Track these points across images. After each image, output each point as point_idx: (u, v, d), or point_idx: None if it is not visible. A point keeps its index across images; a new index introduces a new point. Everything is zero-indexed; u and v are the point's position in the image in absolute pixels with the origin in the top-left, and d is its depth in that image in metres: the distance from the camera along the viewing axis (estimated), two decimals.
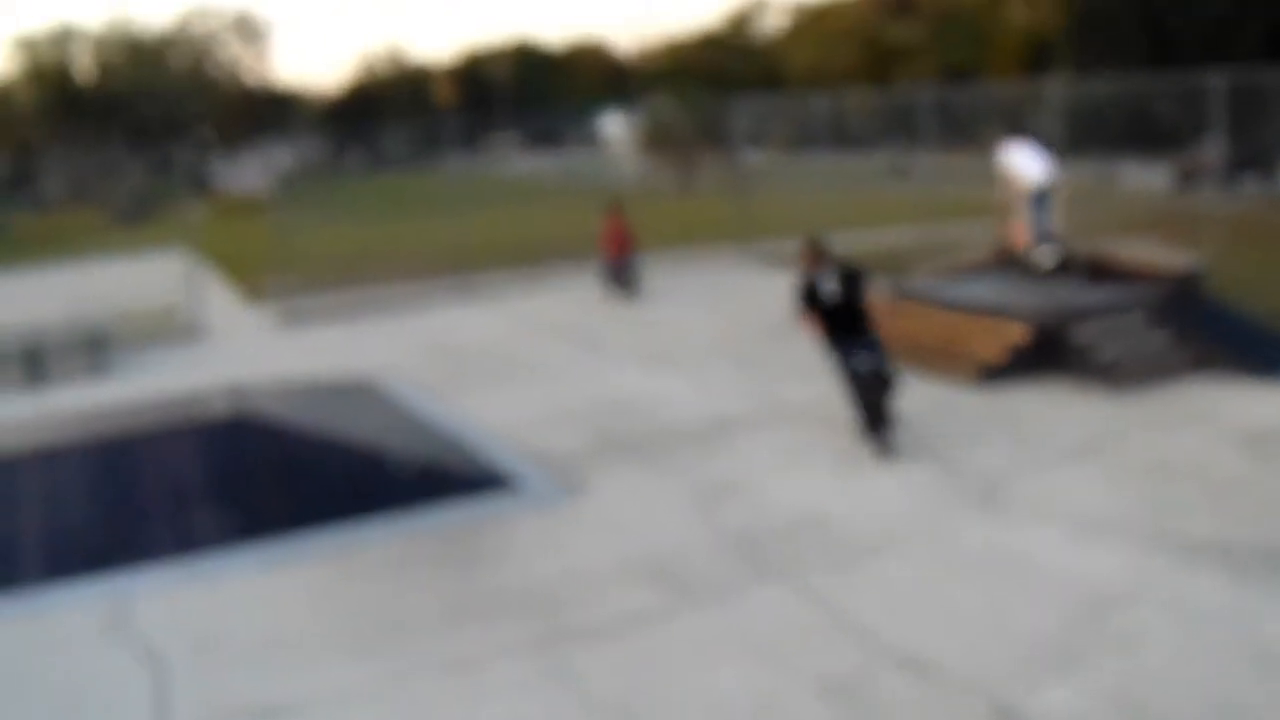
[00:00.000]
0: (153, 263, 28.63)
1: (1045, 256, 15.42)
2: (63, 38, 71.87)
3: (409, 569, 8.57)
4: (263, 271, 24.41)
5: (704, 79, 63.42)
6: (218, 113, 68.46)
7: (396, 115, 76.77)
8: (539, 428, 12.04)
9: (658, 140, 48.66)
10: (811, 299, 10.65)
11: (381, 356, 16.23)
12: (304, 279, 23.14)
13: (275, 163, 59.99)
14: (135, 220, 45.55)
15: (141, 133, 58.79)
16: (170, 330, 19.19)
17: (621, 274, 20.51)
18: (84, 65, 72.31)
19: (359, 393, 14.09)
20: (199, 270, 23.48)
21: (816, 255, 10.79)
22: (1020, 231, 15.84)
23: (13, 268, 30.87)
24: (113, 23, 72.72)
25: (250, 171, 58.19)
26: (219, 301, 22.44)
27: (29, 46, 71.61)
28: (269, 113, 77.35)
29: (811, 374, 13.34)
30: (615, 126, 67.31)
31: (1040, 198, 15.64)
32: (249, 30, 76.62)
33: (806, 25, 77.72)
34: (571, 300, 20.19)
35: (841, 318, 10.56)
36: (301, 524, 9.42)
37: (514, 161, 67.54)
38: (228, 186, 57.65)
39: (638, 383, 13.87)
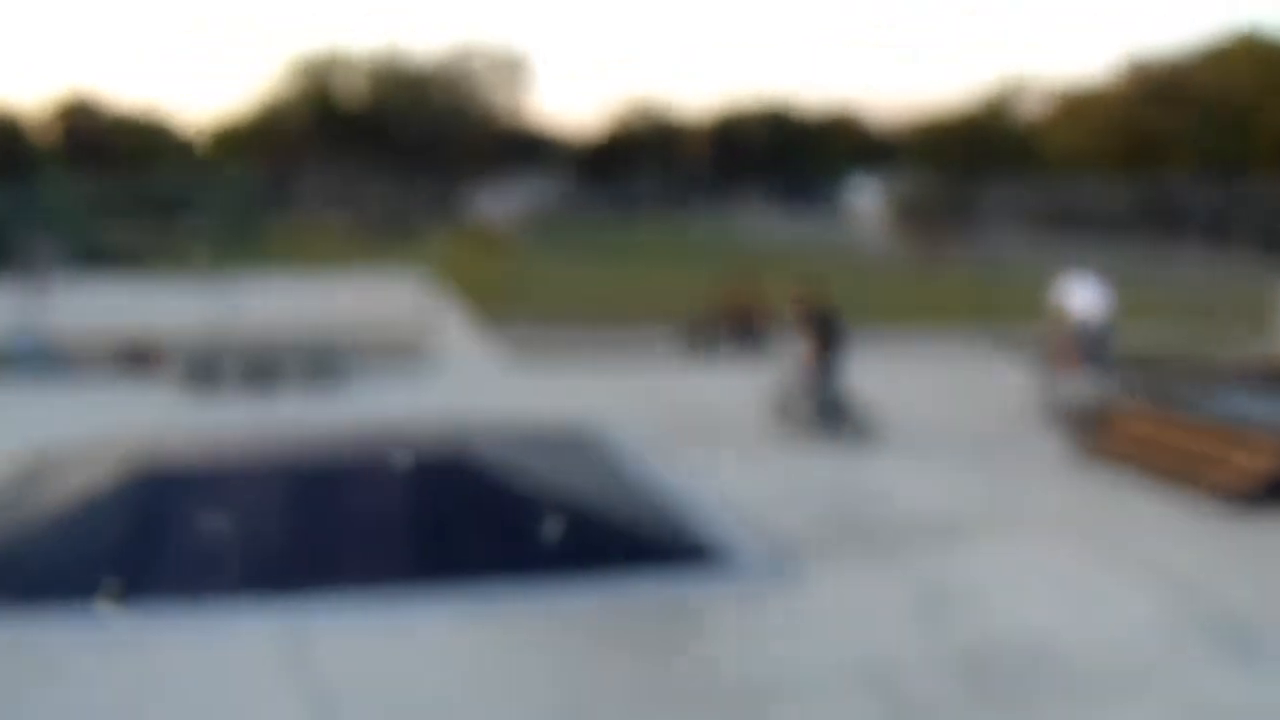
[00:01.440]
0: (395, 283, 29.30)
1: (1083, 391, 15.05)
2: (332, 65, 75.32)
3: (603, 643, 8.22)
4: (501, 304, 24.68)
5: (959, 157, 62.33)
6: (474, 145, 70.37)
7: (647, 165, 77.54)
8: (761, 503, 11.62)
9: (906, 214, 47.93)
10: (824, 328, 14.48)
11: (608, 404, 16.04)
12: (542, 316, 23.27)
13: (525, 199, 61.25)
14: (383, 240, 47.00)
15: (399, 158, 60.83)
16: (402, 352, 19.43)
17: (748, 341, 20.98)
18: (352, 91, 75.46)
19: (578, 442, 13.88)
20: (438, 296, 23.84)
21: (809, 304, 14.80)
22: (1071, 367, 15.59)
23: (260, 273, 32.01)
24: (383, 54, 75.74)
25: (500, 205, 59.54)
26: (454, 330, 22.73)
27: (306, 71, 75.25)
28: (523, 150, 79.06)
29: (1056, 478, 12.68)
30: (864, 196, 66.72)
31: (1096, 334, 15.67)
32: (512, 69, 78.73)
33: (1066, 109, 75.62)
34: None
35: (830, 349, 14.51)
36: (503, 576, 9.18)
37: (761, 222, 67.42)
38: (477, 217, 59.02)
39: (866, 465, 13.33)
